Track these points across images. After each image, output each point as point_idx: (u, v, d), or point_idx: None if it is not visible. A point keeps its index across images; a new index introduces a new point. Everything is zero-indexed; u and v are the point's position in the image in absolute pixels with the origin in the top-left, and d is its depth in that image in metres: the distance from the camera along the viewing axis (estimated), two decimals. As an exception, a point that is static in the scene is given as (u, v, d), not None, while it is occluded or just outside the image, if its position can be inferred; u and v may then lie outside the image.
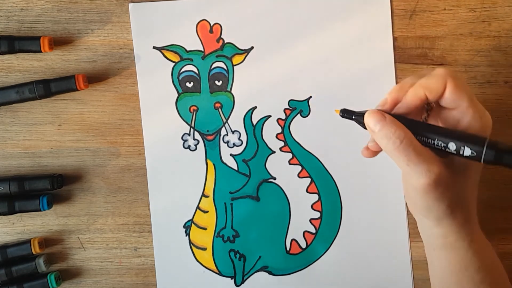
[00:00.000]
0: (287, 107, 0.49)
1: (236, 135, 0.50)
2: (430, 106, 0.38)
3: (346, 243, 0.50)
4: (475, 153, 0.33)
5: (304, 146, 0.50)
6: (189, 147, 0.50)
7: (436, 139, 0.35)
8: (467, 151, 0.34)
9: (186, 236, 0.50)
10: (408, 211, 0.49)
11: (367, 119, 0.37)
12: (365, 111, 0.37)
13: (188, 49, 0.49)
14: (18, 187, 0.48)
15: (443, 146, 0.34)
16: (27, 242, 0.49)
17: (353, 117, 0.38)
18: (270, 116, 0.50)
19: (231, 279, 0.50)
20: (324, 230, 0.50)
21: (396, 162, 0.36)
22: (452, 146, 0.34)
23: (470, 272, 0.39)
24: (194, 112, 0.50)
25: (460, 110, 0.36)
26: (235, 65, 0.49)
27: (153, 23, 0.49)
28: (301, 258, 0.50)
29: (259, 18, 0.49)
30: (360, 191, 0.49)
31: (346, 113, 0.38)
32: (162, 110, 0.50)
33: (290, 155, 0.50)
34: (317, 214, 0.50)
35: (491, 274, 0.39)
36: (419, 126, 0.36)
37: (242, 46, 0.49)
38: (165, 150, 0.50)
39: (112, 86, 0.50)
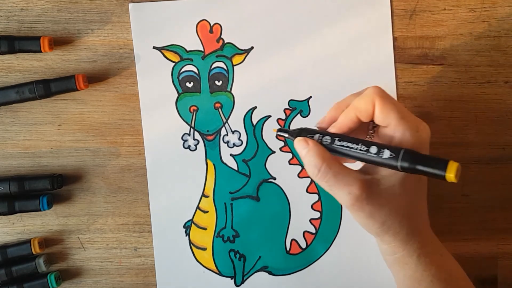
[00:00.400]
0: (287, 107, 0.49)
1: (236, 135, 0.50)
2: (373, 126, 0.40)
3: (346, 243, 0.50)
4: (393, 155, 0.35)
5: (304, 146, 0.50)
6: (189, 147, 0.50)
7: (359, 144, 0.37)
8: (386, 153, 0.35)
9: (186, 236, 0.50)
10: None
11: (295, 146, 0.39)
12: (297, 130, 0.40)
13: (188, 49, 0.49)
14: (18, 187, 0.48)
15: (366, 150, 0.36)
16: (27, 242, 0.49)
17: (287, 136, 0.41)
18: (270, 116, 0.50)
19: (231, 279, 0.50)
20: (324, 230, 0.50)
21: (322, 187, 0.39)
22: (373, 149, 0.36)
23: (424, 286, 0.39)
24: (194, 112, 0.50)
25: (391, 128, 0.38)
26: (235, 65, 0.49)
27: (153, 23, 0.49)
28: (301, 258, 0.50)
29: (259, 18, 0.49)
30: (360, 191, 0.49)
31: (282, 132, 0.42)
32: (162, 110, 0.50)
33: (290, 155, 0.50)
34: (317, 214, 0.50)
35: (448, 287, 0.39)
36: (346, 138, 0.38)
37: (242, 46, 0.49)
38: (165, 150, 0.50)
39: (112, 86, 0.50)
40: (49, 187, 0.48)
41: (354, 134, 0.40)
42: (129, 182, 0.50)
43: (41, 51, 0.47)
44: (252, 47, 0.49)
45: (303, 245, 0.50)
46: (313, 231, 0.50)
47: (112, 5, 0.49)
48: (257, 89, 0.49)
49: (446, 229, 0.50)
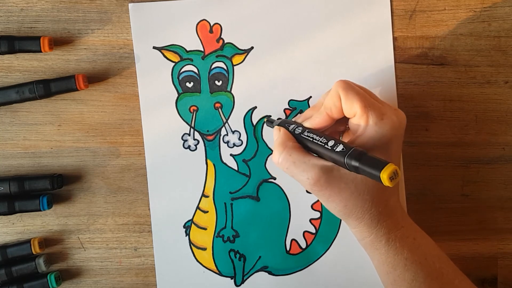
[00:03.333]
0: (287, 107, 0.49)
1: (236, 135, 0.50)
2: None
3: (346, 243, 0.50)
4: (344, 150, 0.37)
5: (304, 146, 0.50)
6: (189, 147, 0.50)
7: (322, 137, 0.39)
8: (339, 148, 0.37)
9: (186, 236, 0.50)
10: (408, 210, 0.49)
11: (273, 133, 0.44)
12: (280, 120, 0.45)
13: (188, 49, 0.49)
14: (18, 187, 0.48)
15: (325, 142, 0.39)
16: (27, 242, 0.49)
17: (270, 125, 0.47)
18: (270, 116, 0.50)
19: (231, 279, 0.50)
20: (324, 230, 0.50)
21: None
22: (331, 143, 0.38)
23: (399, 271, 0.40)
24: (194, 112, 0.50)
25: (357, 117, 0.39)
26: (235, 65, 0.49)
27: (153, 23, 0.49)
28: (301, 258, 0.50)
29: (259, 18, 0.49)
30: (360, 191, 0.49)
31: (267, 122, 0.47)
32: (162, 110, 0.50)
33: (290, 155, 0.50)
34: (317, 214, 0.50)
35: (424, 270, 0.40)
36: (314, 131, 0.41)
37: (242, 46, 0.49)
38: (165, 150, 0.50)
39: (112, 86, 0.50)
40: (49, 187, 0.48)
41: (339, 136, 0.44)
42: (129, 182, 0.50)
43: (41, 51, 0.47)
44: (252, 47, 0.49)
45: (303, 245, 0.50)
46: (313, 231, 0.50)
47: (112, 5, 0.49)
48: (257, 89, 0.49)
49: (446, 229, 0.50)
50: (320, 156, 0.40)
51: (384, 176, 0.34)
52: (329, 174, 0.38)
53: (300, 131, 0.41)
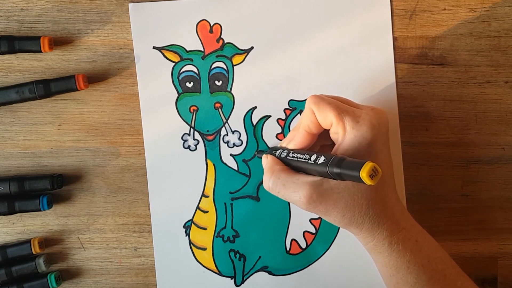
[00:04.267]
0: (287, 107, 0.49)
1: (236, 135, 0.50)
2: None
3: (346, 243, 0.50)
4: (326, 160, 0.37)
5: (304, 146, 0.50)
6: (189, 147, 0.50)
7: (305, 154, 0.40)
8: (321, 159, 0.38)
9: (186, 236, 0.50)
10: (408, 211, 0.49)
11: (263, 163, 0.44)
12: (268, 149, 0.46)
13: (188, 49, 0.49)
14: (18, 187, 0.48)
15: (308, 158, 0.39)
16: (27, 242, 0.49)
17: (259, 156, 0.48)
18: (270, 116, 0.50)
19: (231, 279, 0.51)
20: (324, 230, 0.50)
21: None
22: (313, 157, 0.39)
23: (402, 273, 0.40)
24: (194, 112, 0.50)
25: (334, 126, 0.40)
26: (235, 65, 0.49)
27: (153, 23, 0.49)
28: (301, 258, 0.50)
29: (259, 18, 0.49)
30: (360, 191, 0.49)
31: (258, 153, 0.49)
32: (162, 110, 0.50)
33: (290, 155, 0.50)
34: (317, 214, 0.50)
35: (427, 273, 0.40)
36: (298, 151, 0.41)
37: (242, 46, 0.49)
38: (165, 150, 0.50)
39: (112, 86, 0.50)
40: (49, 187, 0.48)
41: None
42: (129, 182, 0.50)
43: (41, 51, 0.47)
44: (252, 47, 0.49)
45: (303, 245, 0.50)
46: (313, 231, 0.50)
47: (112, 5, 0.49)
48: (257, 89, 0.49)
49: (446, 229, 0.50)
50: (308, 173, 0.40)
51: (364, 174, 0.34)
52: (320, 188, 0.38)
53: (285, 154, 0.42)
